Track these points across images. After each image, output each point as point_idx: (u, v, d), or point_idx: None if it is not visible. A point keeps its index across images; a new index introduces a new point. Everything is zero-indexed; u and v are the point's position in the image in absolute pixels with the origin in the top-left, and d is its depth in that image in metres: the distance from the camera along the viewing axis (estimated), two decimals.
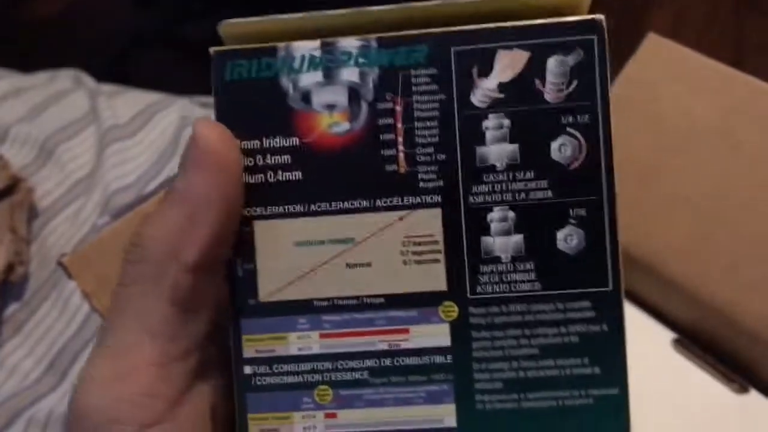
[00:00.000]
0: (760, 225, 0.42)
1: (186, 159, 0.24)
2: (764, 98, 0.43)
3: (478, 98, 0.24)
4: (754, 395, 0.42)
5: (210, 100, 0.70)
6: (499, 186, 0.24)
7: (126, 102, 0.66)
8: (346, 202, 0.25)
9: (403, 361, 0.25)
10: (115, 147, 0.62)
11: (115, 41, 1.46)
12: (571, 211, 0.24)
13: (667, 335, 0.44)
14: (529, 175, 0.24)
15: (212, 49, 0.25)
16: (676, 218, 0.44)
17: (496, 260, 0.24)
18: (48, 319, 0.55)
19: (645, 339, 0.43)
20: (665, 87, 0.46)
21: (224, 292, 0.26)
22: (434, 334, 0.25)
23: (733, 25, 1.32)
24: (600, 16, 0.24)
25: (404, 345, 0.25)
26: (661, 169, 0.44)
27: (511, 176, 0.24)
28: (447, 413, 0.25)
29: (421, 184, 0.24)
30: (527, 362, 0.24)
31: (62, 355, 0.53)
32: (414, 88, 0.24)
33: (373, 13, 0.24)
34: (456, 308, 0.24)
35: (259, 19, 0.25)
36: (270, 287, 0.25)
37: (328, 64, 0.25)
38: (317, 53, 0.25)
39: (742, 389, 0.42)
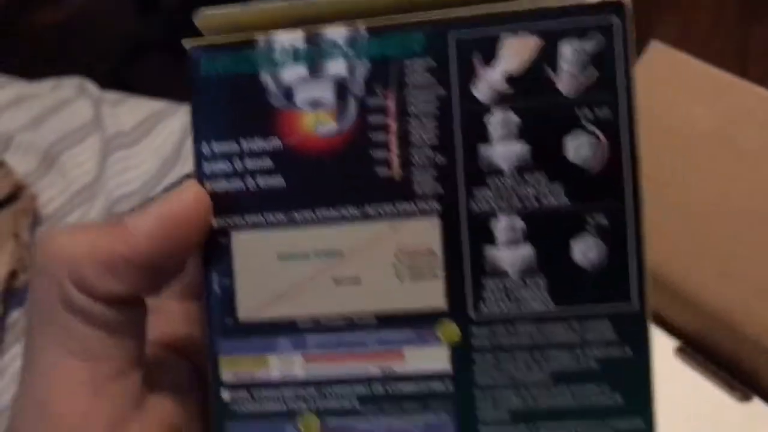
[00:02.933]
0: (762, 233, 0.42)
1: (151, 206, 0.21)
2: (765, 105, 0.44)
3: (481, 91, 0.21)
4: (756, 403, 0.42)
5: None
6: (506, 191, 0.21)
7: (130, 110, 0.65)
8: (332, 211, 0.21)
9: (397, 388, 0.21)
10: (119, 155, 0.61)
11: (118, 48, 1.47)
12: (589, 219, 0.21)
13: (669, 343, 0.45)
14: (541, 178, 0.21)
15: (186, 42, 0.22)
16: (678, 226, 0.44)
17: (503, 275, 0.21)
18: None
19: None
20: (667, 94, 0.46)
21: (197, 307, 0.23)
22: (432, 357, 0.21)
23: (738, 33, 1.32)
24: None
25: (398, 370, 0.21)
26: (663, 176, 0.43)
27: (519, 180, 0.21)
28: None
29: (417, 189, 0.21)
30: (538, 390, 0.21)
31: None
32: (408, 82, 0.21)
33: None
34: (457, 329, 0.21)
35: (239, 9, 0.22)
36: (249, 305, 0.22)
37: (313, 57, 0.21)
38: (300, 45, 0.21)
39: (745, 397, 0.42)
